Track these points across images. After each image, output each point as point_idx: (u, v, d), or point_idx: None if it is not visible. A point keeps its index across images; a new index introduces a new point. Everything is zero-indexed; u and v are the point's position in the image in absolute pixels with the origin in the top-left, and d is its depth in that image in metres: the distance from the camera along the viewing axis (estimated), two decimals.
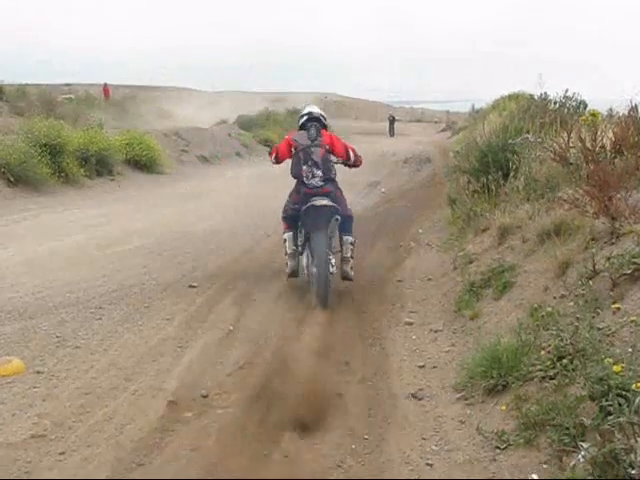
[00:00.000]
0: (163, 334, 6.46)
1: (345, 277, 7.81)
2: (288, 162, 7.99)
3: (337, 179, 7.88)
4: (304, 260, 7.63)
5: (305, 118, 8.07)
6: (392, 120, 47.50)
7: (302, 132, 7.91)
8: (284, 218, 8.00)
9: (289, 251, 7.81)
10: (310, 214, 7.31)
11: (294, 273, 7.85)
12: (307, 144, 7.70)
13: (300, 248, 7.71)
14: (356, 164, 8.28)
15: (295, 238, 7.80)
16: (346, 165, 8.28)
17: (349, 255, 7.74)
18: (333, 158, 7.91)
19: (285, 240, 7.89)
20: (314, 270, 7.16)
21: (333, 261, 7.36)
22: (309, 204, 7.32)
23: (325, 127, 8.07)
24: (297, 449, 4.32)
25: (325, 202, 7.33)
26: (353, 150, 8.16)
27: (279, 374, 5.40)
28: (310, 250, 7.35)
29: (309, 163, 7.64)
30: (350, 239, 7.80)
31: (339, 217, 7.44)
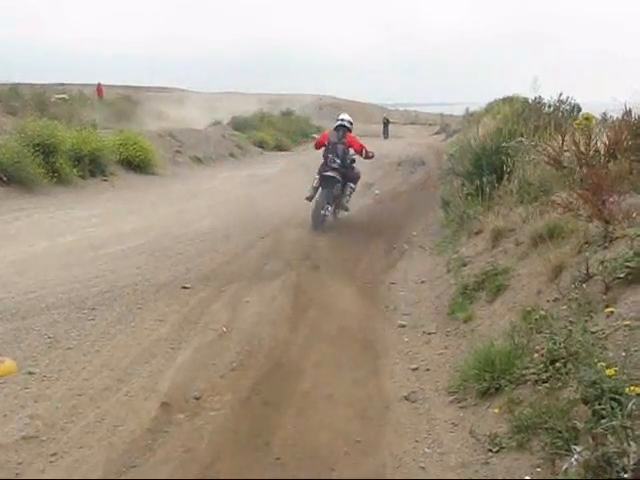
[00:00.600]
0: (156, 335, 6.44)
1: (341, 207, 12.42)
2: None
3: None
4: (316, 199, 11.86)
5: (338, 122, 12.51)
6: (386, 122, 47.44)
7: (334, 132, 12.36)
8: (318, 173, 12.15)
9: (314, 185, 12.04)
10: (325, 178, 11.87)
11: (310, 199, 11.96)
12: (335, 141, 12.17)
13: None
14: (368, 157, 12.38)
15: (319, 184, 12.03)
16: (362, 157, 12.31)
17: (347, 193, 12.35)
18: (352, 152, 12.21)
19: (314, 179, 12.12)
20: (314, 208, 11.64)
21: (329, 208, 11.89)
22: (324, 173, 11.91)
23: (350, 130, 12.47)
24: (289, 453, 4.32)
25: (333, 174, 11.86)
26: (365, 148, 12.23)
27: (272, 377, 5.42)
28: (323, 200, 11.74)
29: (333, 154, 12.03)
30: (352, 185, 12.44)
31: (340, 185, 11.99)
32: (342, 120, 12.46)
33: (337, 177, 11.84)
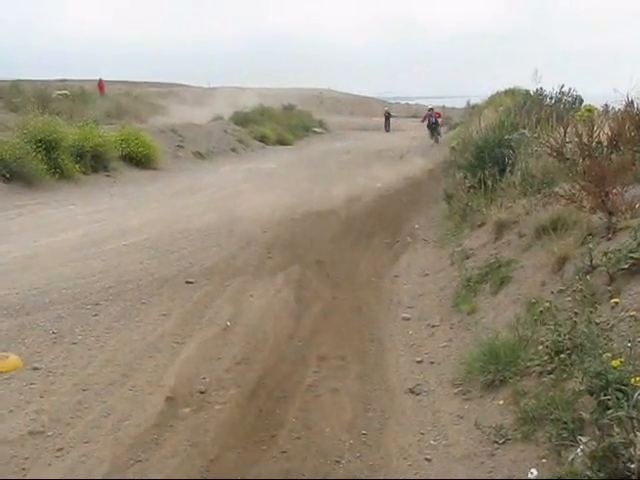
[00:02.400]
0: (160, 330, 6.45)
1: (439, 135, 30.26)
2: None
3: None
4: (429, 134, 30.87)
5: (429, 108, 32.42)
6: (388, 116, 47.22)
7: (428, 112, 31.33)
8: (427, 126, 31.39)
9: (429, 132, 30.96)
10: (430, 127, 30.53)
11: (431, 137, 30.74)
12: (430, 115, 30.79)
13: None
14: (441, 117, 33.05)
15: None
16: (440, 118, 32.14)
17: (440, 131, 30.74)
18: (436, 118, 31.21)
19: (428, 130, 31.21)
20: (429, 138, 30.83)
21: (437, 136, 29.94)
22: (430, 125, 30.61)
23: (433, 109, 31.87)
24: (294, 446, 4.33)
25: (433, 125, 30.48)
26: (440, 115, 32.43)
27: (277, 370, 5.44)
28: (431, 134, 30.67)
29: (430, 119, 30.54)
30: (440, 129, 30.98)
31: (437, 128, 30.52)
32: (430, 107, 31.80)
33: (434, 125, 29.56)
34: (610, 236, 5.44)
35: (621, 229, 5.38)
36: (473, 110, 32.45)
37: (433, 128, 30.10)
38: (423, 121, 31.20)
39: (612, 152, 6.76)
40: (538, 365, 4.33)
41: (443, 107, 55.46)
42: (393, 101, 69.29)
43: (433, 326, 6.54)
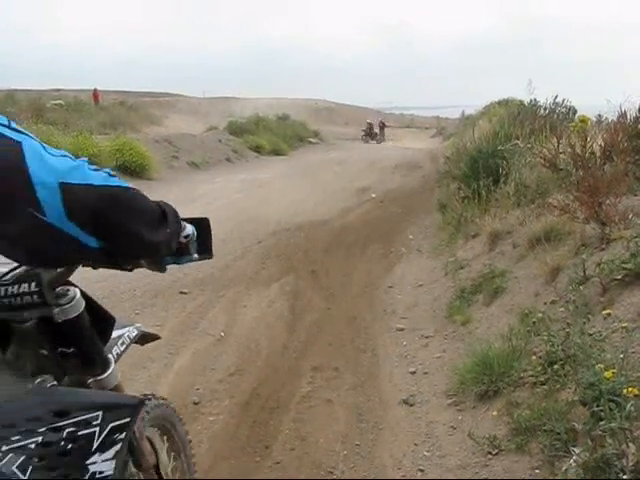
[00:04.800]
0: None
1: (379, 142, 44.42)
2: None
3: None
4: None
5: (379, 120, 47.05)
6: (382, 126, 47.44)
7: (380, 123, 48.04)
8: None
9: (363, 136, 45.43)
10: (380, 131, 45.99)
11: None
12: (381, 123, 46.76)
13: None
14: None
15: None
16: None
17: (382, 138, 45.70)
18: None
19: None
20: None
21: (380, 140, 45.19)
22: (381, 130, 46.49)
23: (382, 121, 47.65)
24: (288, 457, 4.32)
25: (373, 133, 46.00)
26: (385, 126, 47.99)
27: (270, 381, 5.44)
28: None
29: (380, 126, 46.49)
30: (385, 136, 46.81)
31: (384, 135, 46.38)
32: (381, 119, 46.75)
33: (375, 132, 44.77)
34: (603, 247, 5.46)
35: (614, 240, 5.40)
36: (467, 121, 32.45)
37: (371, 133, 44.95)
38: (375, 128, 45.67)
39: (605, 163, 6.79)
40: (531, 376, 4.33)
41: (437, 118, 55.82)
42: (388, 111, 69.55)
43: (427, 337, 6.53)
